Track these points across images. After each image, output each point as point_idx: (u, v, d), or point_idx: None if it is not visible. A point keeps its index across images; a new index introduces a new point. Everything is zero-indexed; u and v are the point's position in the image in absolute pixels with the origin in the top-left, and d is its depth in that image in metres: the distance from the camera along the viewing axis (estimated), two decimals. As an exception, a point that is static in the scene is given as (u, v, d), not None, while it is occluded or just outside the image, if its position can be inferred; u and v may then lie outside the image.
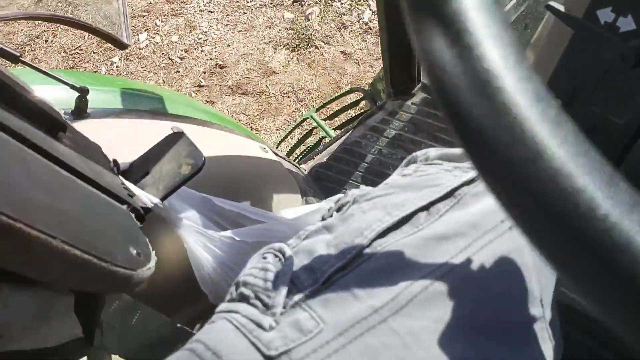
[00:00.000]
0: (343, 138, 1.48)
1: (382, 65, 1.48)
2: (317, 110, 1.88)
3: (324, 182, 1.40)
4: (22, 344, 0.46)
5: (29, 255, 0.40)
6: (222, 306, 0.47)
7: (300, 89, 3.23)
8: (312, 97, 3.18)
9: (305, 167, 1.47)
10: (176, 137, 0.77)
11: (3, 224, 0.37)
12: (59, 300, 0.47)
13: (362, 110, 2.25)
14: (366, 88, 2.10)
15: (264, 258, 0.49)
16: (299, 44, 3.10)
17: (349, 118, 2.01)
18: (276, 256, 0.48)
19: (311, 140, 2.06)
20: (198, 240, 0.80)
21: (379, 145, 1.42)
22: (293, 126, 1.91)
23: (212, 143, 1.16)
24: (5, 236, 0.38)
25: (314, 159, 1.50)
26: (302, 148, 2.04)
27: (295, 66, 3.38)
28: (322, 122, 1.81)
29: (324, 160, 1.45)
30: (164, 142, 0.76)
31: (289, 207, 1.16)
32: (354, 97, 2.29)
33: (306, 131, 2.10)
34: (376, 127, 1.46)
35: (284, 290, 0.42)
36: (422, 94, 1.47)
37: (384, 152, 1.41)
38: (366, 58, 3.21)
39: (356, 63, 3.23)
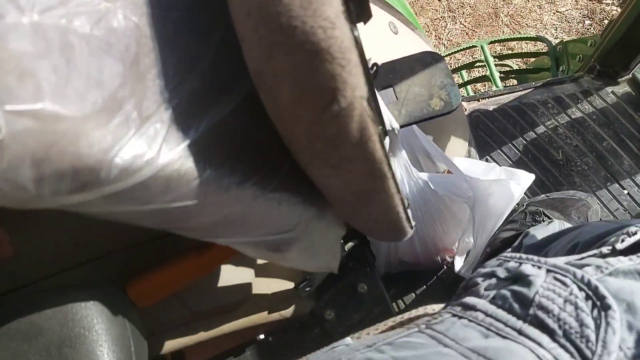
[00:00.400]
0: (519, 93, 1.35)
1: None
2: (489, 43, 1.71)
3: (480, 132, 1.30)
4: (292, 250, 0.42)
5: (370, 195, 0.35)
6: (500, 314, 0.42)
7: (456, -3, 2.97)
8: (463, 13, 2.92)
9: (466, 107, 1.36)
10: (432, 59, 0.67)
11: (381, 170, 0.32)
12: (333, 230, 0.43)
13: (526, 66, 2.05)
14: (536, 35, 1.86)
15: (563, 283, 0.42)
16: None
17: (505, 70, 1.84)
18: (581, 289, 0.41)
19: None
20: (398, 174, 0.74)
21: (556, 120, 1.29)
22: (459, 49, 1.75)
23: (411, 49, 1.06)
24: (370, 177, 0.32)
25: (478, 101, 1.38)
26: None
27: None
28: (492, 61, 1.65)
29: (490, 108, 1.33)
30: (417, 58, 0.68)
31: (457, 152, 1.08)
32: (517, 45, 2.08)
33: (467, 62, 1.93)
34: (561, 99, 1.31)
35: (614, 354, 0.36)
36: (626, 87, 1.31)
37: (559, 130, 1.28)
38: (540, -3, 2.89)
39: (526, -3, 2.92)
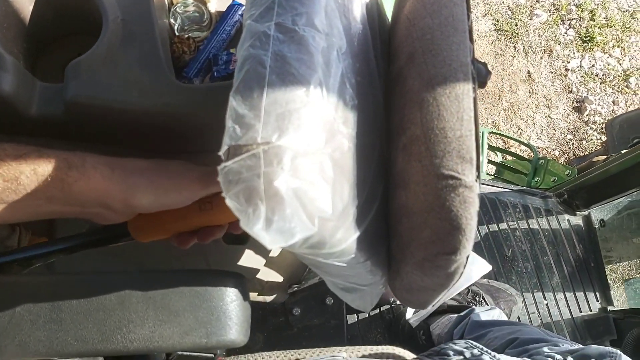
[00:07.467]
0: (499, 189, 1.60)
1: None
2: (490, 132, 1.95)
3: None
4: (354, 294, 0.63)
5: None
6: None
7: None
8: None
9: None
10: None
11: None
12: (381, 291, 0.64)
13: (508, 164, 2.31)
14: (533, 144, 2.12)
15: None
16: (506, 30, 3.01)
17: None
18: None
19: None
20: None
21: (518, 224, 1.55)
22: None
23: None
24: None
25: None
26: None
27: (486, 45, 3.31)
28: (486, 147, 1.89)
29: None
30: None
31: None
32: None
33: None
34: (528, 208, 1.58)
35: None
36: (580, 221, 1.58)
37: (516, 233, 1.54)
38: (541, 98, 3.18)
39: (529, 92, 3.20)
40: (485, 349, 0.70)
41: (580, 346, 0.85)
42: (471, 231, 0.46)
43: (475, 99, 0.49)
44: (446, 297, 1.17)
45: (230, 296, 0.56)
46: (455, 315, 1.21)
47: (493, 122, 2.85)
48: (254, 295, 1.03)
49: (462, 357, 0.69)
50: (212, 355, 0.76)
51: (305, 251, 0.45)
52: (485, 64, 0.57)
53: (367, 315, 1.39)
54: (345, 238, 0.46)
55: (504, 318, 1.23)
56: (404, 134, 0.51)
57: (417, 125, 0.49)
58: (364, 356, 0.79)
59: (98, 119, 0.58)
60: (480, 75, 0.55)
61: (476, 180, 0.46)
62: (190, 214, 0.57)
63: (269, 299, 1.08)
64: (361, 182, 0.50)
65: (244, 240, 0.90)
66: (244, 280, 0.59)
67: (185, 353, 0.71)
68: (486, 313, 1.16)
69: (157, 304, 0.53)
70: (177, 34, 0.71)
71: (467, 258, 0.48)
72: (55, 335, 0.51)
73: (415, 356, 0.82)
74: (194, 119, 0.60)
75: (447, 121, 0.47)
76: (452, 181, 0.45)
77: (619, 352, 0.82)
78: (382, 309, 1.39)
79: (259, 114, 0.41)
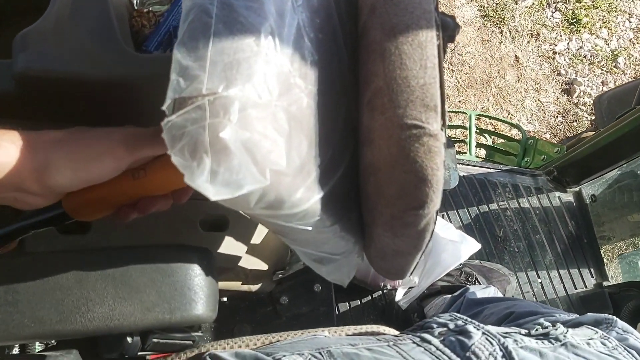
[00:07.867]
0: (487, 170, 1.58)
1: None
2: (478, 115, 1.93)
3: (444, 190, 1.51)
4: (328, 266, 0.60)
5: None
6: (447, 352, 0.61)
7: (460, 54, 3.19)
8: (461, 70, 3.15)
9: (442, 164, 1.56)
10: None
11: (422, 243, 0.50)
12: (357, 260, 0.61)
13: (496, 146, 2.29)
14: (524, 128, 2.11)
15: (490, 343, 0.62)
16: (492, 16, 2.99)
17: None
18: (501, 350, 0.61)
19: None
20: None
21: (508, 203, 1.53)
22: (450, 110, 1.97)
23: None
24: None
25: (452, 163, 1.59)
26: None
27: (473, 32, 3.29)
28: (474, 130, 1.87)
29: (460, 173, 1.55)
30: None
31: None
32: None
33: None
34: (518, 187, 1.56)
35: None
36: (571, 197, 1.56)
37: (507, 212, 1.52)
38: (530, 82, 3.17)
39: (518, 77, 3.18)
40: (469, 319, 0.68)
41: (577, 316, 0.83)
42: (438, 183, 0.44)
43: (439, 47, 0.47)
44: (437, 276, 1.16)
45: (195, 270, 0.53)
46: (449, 295, 1.19)
47: (483, 108, 2.83)
48: (238, 285, 1.01)
49: (445, 328, 0.67)
50: (191, 342, 0.74)
51: (264, 212, 0.43)
52: (453, 17, 0.55)
53: (359, 303, 1.37)
54: (307, 198, 0.44)
55: (500, 295, 1.20)
56: (368, 88, 0.49)
57: (380, 76, 0.46)
58: (347, 335, 0.77)
59: (51, 93, 0.55)
60: (448, 28, 0.53)
61: (441, 129, 0.44)
62: (124, 184, 0.51)
63: (254, 288, 1.06)
64: (324, 141, 0.47)
65: (223, 227, 0.88)
66: (209, 255, 0.57)
67: (161, 340, 0.68)
68: (482, 291, 1.14)
69: (117, 281, 0.50)
70: (136, 8, 0.68)
71: (437, 213, 0.46)
72: (11, 317, 0.49)
73: (398, 332, 0.80)
74: (151, 89, 0.57)
75: (410, 69, 0.44)
76: (415, 130, 0.43)
77: (615, 317, 0.80)
78: (374, 295, 1.37)
79: (204, 64, 0.38)
